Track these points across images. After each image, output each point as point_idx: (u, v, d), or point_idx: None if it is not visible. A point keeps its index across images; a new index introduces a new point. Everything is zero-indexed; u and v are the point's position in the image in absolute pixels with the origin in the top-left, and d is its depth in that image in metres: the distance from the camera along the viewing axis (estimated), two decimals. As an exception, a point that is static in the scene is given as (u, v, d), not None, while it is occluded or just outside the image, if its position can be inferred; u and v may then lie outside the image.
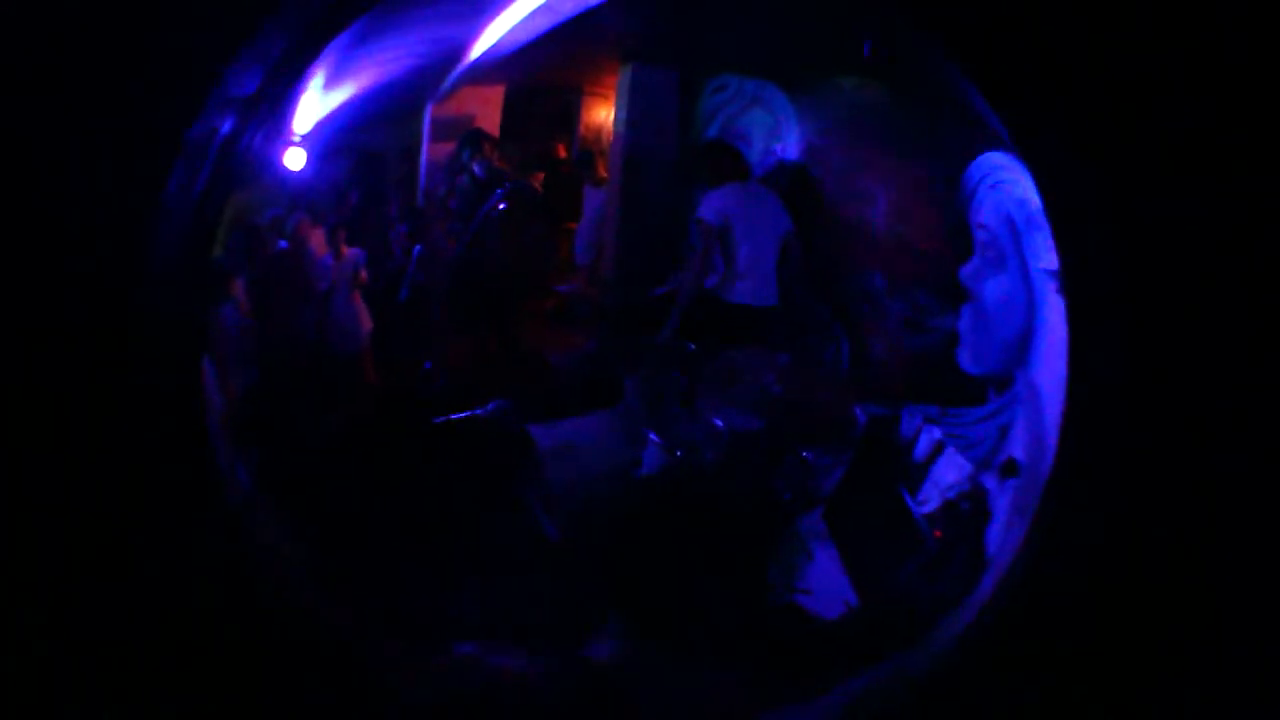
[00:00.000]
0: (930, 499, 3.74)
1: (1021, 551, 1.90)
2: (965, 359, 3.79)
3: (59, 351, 1.87)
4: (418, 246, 5.73)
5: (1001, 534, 3.21)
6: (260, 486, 3.48)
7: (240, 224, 4.65)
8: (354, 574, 2.99)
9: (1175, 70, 1.64)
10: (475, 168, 5.77)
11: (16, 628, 1.94)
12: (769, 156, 5.42)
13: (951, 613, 2.05)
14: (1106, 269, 1.70)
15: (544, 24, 4.94)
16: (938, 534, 3.54)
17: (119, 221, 1.87)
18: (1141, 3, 1.65)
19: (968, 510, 3.48)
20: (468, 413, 3.96)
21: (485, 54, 5.30)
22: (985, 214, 3.60)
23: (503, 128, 6.09)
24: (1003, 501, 3.35)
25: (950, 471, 3.72)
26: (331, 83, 4.44)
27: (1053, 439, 2.02)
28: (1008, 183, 3.42)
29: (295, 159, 4.81)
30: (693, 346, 5.01)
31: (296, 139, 4.76)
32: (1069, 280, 1.78)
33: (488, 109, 6.03)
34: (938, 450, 3.87)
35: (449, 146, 5.88)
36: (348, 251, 5.30)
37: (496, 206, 5.89)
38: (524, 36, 5.10)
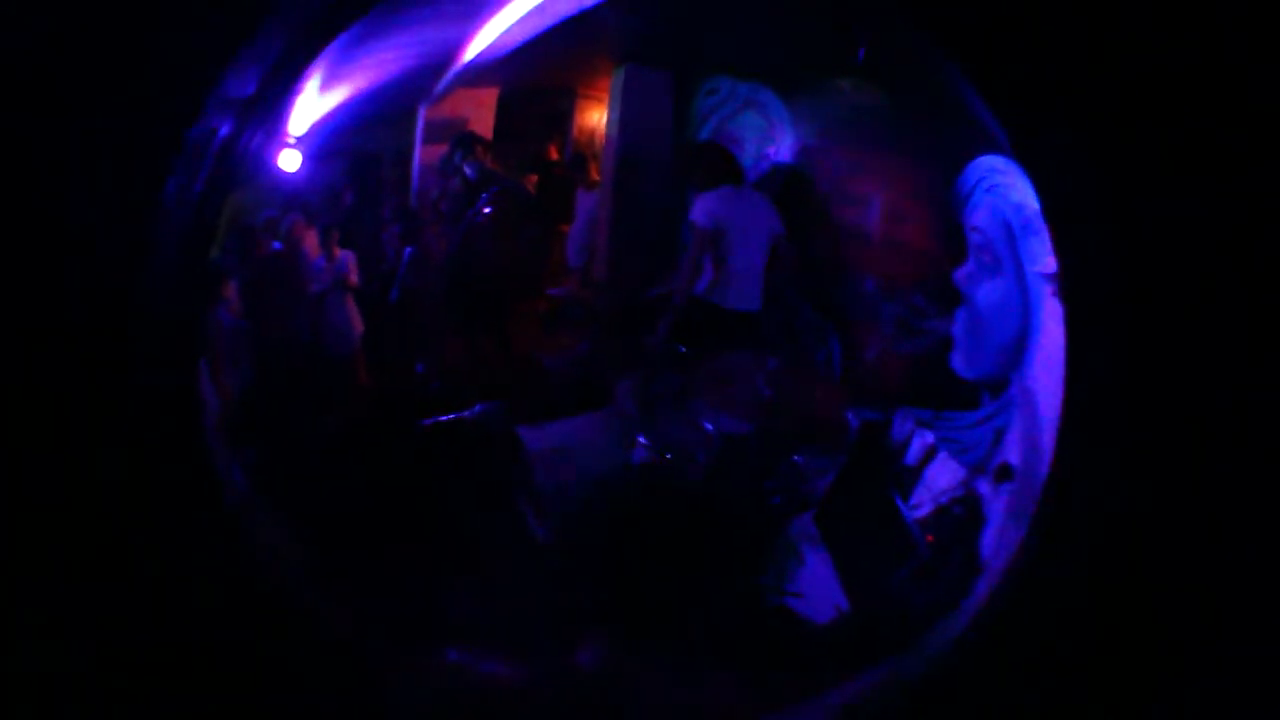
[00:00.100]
0: (923, 504, 3.74)
1: (1016, 556, 1.91)
2: (959, 363, 3.79)
3: (57, 351, 1.87)
4: (409, 248, 5.73)
5: (996, 539, 3.21)
6: (256, 487, 3.48)
7: (236, 225, 4.65)
8: (348, 575, 2.99)
9: (1175, 71, 1.65)
10: (467, 170, 5.77)
11: (16, 627, 1.94)
12: (762, 160, 5.42)
13: (945, 618, 2.06)
14: (1104, 272, 1.71)
15: (537, 26, 4.94)
16: (930, 539, 3.54)
17: (117, 223, 1.87)
18: (1141, 4, 1.66)
19: (961, 515, 3.48)
20: (454, 415, 3.95)
21: (479, 56, 5.29)
22: (980, 217, 3.61)
23: (495, 130, 6.09)
24: (997, 506, 3.35)
25: (943, 476, 3.72)
26: (327, 84, 4.44)
27: (1048, 443, 2.02)
28: (1004, 186, 3.42)
29: (290, 160, 4.81)
30: (684, 349, 5.01)
31: (292, 140, 4.76)
32: (1066, 283, 1.79)
33: (481, 111, 6.02)
34: (930, 455, 3.87)
35: (442, 149, 5.88)
36: (340, 253, 5.30)
37: (481, 211, 5.89)
38: (517, 39, 5.10)
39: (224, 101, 1.98)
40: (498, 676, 2.43)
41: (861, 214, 4.70)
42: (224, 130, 2.05)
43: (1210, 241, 1.63)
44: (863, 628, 3.42)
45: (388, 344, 5.58)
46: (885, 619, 3.32)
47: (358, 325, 5.38)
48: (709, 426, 4.32)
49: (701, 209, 4.99)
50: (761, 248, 5.03)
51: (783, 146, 5.25)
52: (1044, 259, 2.47)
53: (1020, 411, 3.37)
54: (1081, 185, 1.67)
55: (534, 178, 6.47)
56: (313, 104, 4.57)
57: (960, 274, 3.72)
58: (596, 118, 6.40)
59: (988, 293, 3.56)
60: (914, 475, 3.87)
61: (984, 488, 3.46)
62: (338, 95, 4.69)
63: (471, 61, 5.34)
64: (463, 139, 5.82)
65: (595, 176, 6.42)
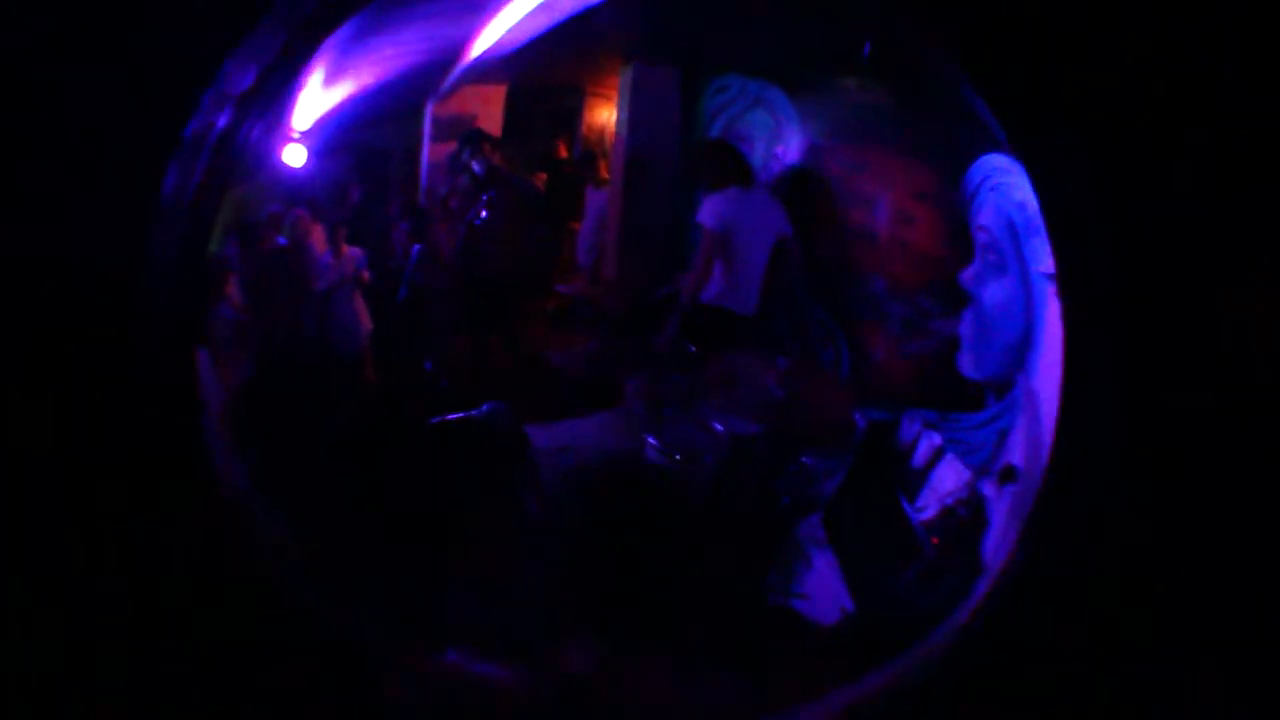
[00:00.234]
0: (928, 506, 3.73)
1: (1014, 555, 1.90)
2: (966, 364, 3.77)
3: (56, 348, 1.86)
4: (417, 246, 5.73)
5: (998, 541, 3.19)
6: (258, 484, 3.48)
7: (239, 220, 4.64)
8: (350, 574, 2.98)
9: (1176, 74, 1.63)
10: (475, 167, 5.77)
11: (16, 627, 1.93)
12: (772, 160, 5.41)
13: (946, 618, 2.04)
14: (1103, 271, 1.69)
15: (545, 23, 4.94)
16: (935, 541, 3.53)
17: (115, 217, 1.86)
18: (1142, 6, 1.65)
19: (965, 517, 3.46)
20: (462, 414, 3.94)
21: (486, 53, 5.29)
22: (986, 216, 3.59)
23: (504, 127, 6.09)
24: (1000, 508, 3.34)
25: (949, 478, 3.71)
26: (332, 79, 4.43)
27: (1050, 444, 2.01)
28: (1008, 185, 3.41)
29: (295, 155, 4.80)
30: (694, 349, 5.00)
31: (296, 135, 4.75)
32: (1065, 283, 1.77)
33: (489, 108, 6.02)
34: (937, 456, 3.86)
35: (450, 146, 5.88)
36: (348, 250, 5.29)
37: (480, 214, 5.89)
38: (525, 35, 5.10)
39: (223, 95, 1.98)
40: (496, 677, 2.42)
41: (869, 214, 4.68)
42: (223, 124, 2.05)
43: (1210, 244, 1.61)
44: (866, 629, 3.41)
45: (396, 342, 5.59)
46: (889, 620, 3.30)
47: (366, 323, 5.38)
48: (718, 427, 4.31)
49: (709, 211, 4.97)
50: (765, 250, 5.02)
51: (792, 145, 5.24)
52: (1046, 259, 2.46)
53: (1024, 413, 3.35)
54: (1080, 184, 1.65)
55: (543, 176, 6.48)
56: (317, 99, 4.56)
57: (967, 274, 3.70)
58: (606, 115, 6.40)
59: (994, 293, 3.54)
60: (921, 477, 3.86)
61: (988, 489, 3.44)
62: (342, 91, 4.68)
63: (479, 58, 5.34)
64: (471, 136, 5.82)
65: (605, 174, 6.42)
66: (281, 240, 4.95)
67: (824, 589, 3.63)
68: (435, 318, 5.80)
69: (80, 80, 1.82)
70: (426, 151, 6.01)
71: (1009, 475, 3.33)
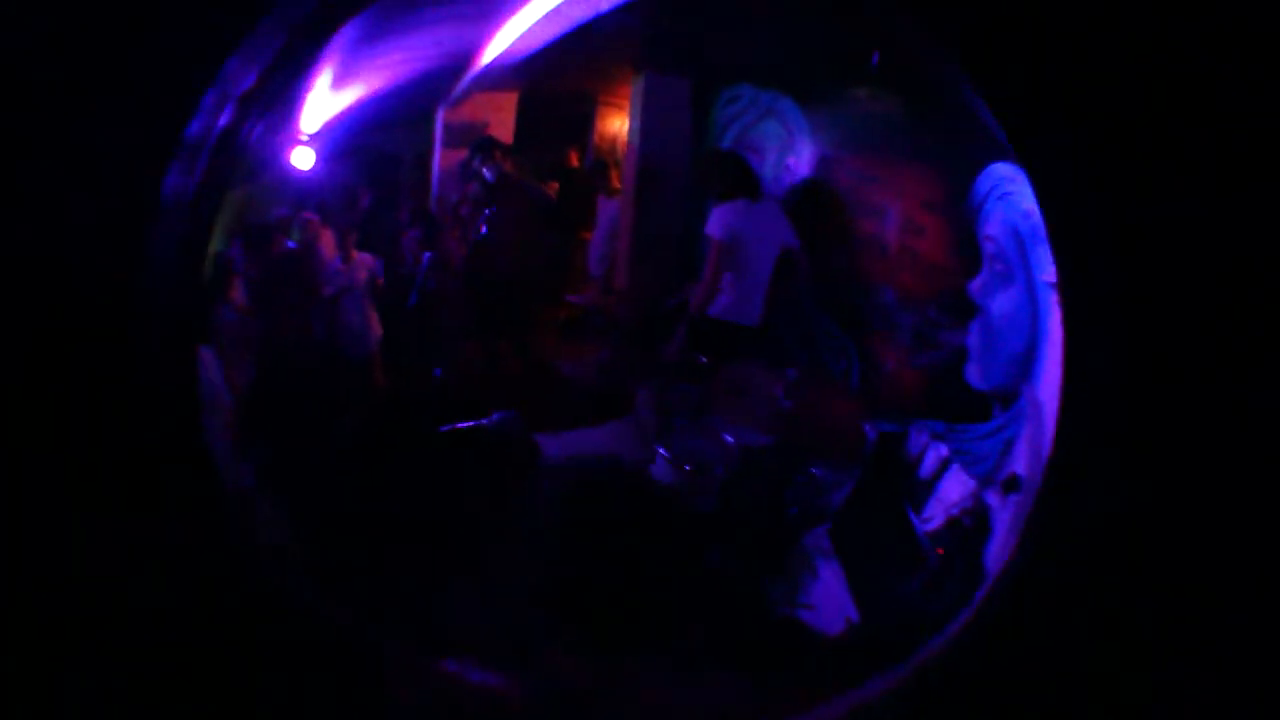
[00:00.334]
0: (934, 516, 3.72)
1: (1013, 559, 1.88)
2: (974, 375, 3.75)
3: (56, 348, 1.87)
4: (428, 253, 5.74)
5: (1000, 550, 3.18)
6: (264, 485, 3.49)
7: (244, 222, 4.64)
8: (350, 575, 2.98)
9: (1176, 75, 1.62)
10: (485, 173, 5.77)
11: (17, 626, 1.93)
12: (784, 170, 5.41)
13: (947, 625, 2.03)
14: (1104, 279, 1.68)
15: (556, 31, 4.94)
16: (940, 551, 3.51)
17: (115, 217, 1.86)
18: (1145, 10, 1.64)
19: (969, 527, 3.45)
20: (473, 422, 3.94)
21: (497, 59, 5.30)
22: (993, 226, 3.58)
23: (516, 135, 6.11)
24: (1003, 517, 3.32)
25: (955, 488, 3.69)
26: (340, 82, 4.44)
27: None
28: (1015, 194, 3.39)
29: (303, 158, 4.79)
30: (704, 360, 4.99)
31: (304, 138, 4.75)
32: (1066, 289, 1.76)
33: (501, 115, 6.05)
34: (944, 467, 3.84)
35: (461, 153, 5.89)
36: (358, 255, 5.29)
37: (479, 230, 5.90)
38: (536, 43, 5.10)
39: (224, 95, 1.98)
40: (496, 682, 2.41)
41: (879, 225, 4.67)
42: (224, 124, 2.04)
43: (1211, 248, 1.60)
44: (869, 636, 3.39)
45: (406, 348, 5.59)
46: (892, 629, 3.28)
47: (375, 328, 5.39)
48: (728, 438, 4.29)
49: (716, 222, 4.95)
50: (771, 261, 5.00)
51: (803, 156, 5.23)
52: (1050, 267, 2.45)
53: (1029, 423, 3.33)
54: (1080, 185, 1.64)
55: (555, 185, 6.49)
56: (326, 102, 4.57)
57: (975, 285, 3.68)
58: (617, 125, 6.41)
59: (1001, 303, 3.53)
60: (927, 488, 3.84)
61: (992, 499, 3.43)
62: (351, 94, 4.69)
63: (490, 65, 5.35)
64: (482, 143, 5.82)
65: (616, 184, 6.42)
66: (290, 244, 4.94)
67: (830, 599, 3.62)
68: (446, 324, 5.81)
69: (81, 80, 1.83)
70: (438, 158, 6.03)
71: (1013, 485, 3.32)
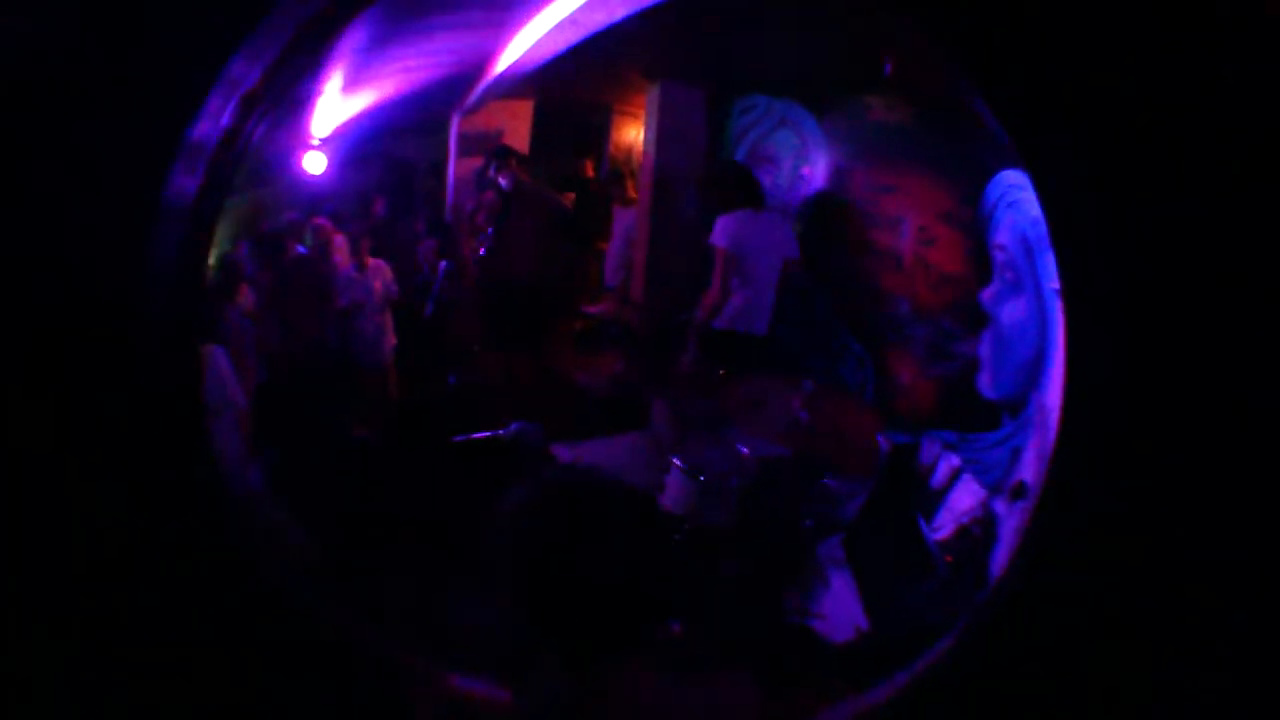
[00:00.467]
0: (944, 525, 3.70)
1: (1015, 561, 1.87)
2: (985, 385, 3.75)
3: (57, 348, 1.87)
4: (444, 262, 5.74)
5: (1005, 555, 3.17)
6: (272, 488, 3.49)
7: (253, 225, 4.62)
8: (354, 578, 2.98)
9: (1177, 75, 1.61)
10: (501, 182, 5.76)
11: (18, 626, 1.93)
12: (798, 180, 5.39)
13: (948, 630, 2.01)
14: (1106, 280, 1.67)
15: (570, 39, 4.94)
16: (949, 559, 3.50)
17: (117, 218, 1.87)
18: (1148, 16, 1.63)
19: (978, 535, 3.44)
20: (489, 433, 3.93)
21: (512, 67, 5.30)
22: (1003, 234, 3.57)
23: (531, 144, 6.10)
24: (1010, 525, 3.31)
25: (965, 498, 3.68)
26: (352, 87, 4.44)
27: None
28: (1023, 201, 3.39)
29: (315, 163, 4.77)
30: (721, 371, 4.98)
31: (315, 142, 4.74)
32: (1069, 296, 1.74)
33: (516, 124, 6.05)
34: (954, 477, 3.83)
35: (477, 161, 5.89)
36: (373, 263, 5.28)
37: (478, 251, 5.90)
38: (551, 51, 5.10)
39: (226, 95, 1.98)
40: (495, 690, 2.39)
41: (894, 236, 4.65)
42: (226, 124, 2.04)
43: (1213, 253, 1.59)
44: (877, 643, 3.38)
45: (421, 357, 5.59)
46: (899, 636, 3.26)
47: (390, 338, 5.38)
48: (744, 450, 4.28)
49: (721, 231, 4.94)
50: (776, 270, 4.99)
51: (818, 166, 5.22)
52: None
53: (1037, 430, 3.32)
54: (1082, 186, 1.63)
55: (571, 195, 6.48)
56: (337, 107, 4.56)
57: (986, 294, 3.68)
58: (633, 134, 6.40)
59: (1011, 311, 3.52)
60: (939, 498, 3.83)
61: (1000, 506, 3.42)
62: (364, 99, 4.69)
63: (505, 72, 5.35)
64: (498, 151, 5.81)
65: (632, 194, 6.41)
66: (302, 249, 4.93)
67: (840, 608, 3.60)
68: (462, 333, 5.81)
69: (81, 80, 1.83)
70: (453, 167, 6.03)
71: (1020, 492, 3.30)
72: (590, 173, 6.55)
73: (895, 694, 2.00)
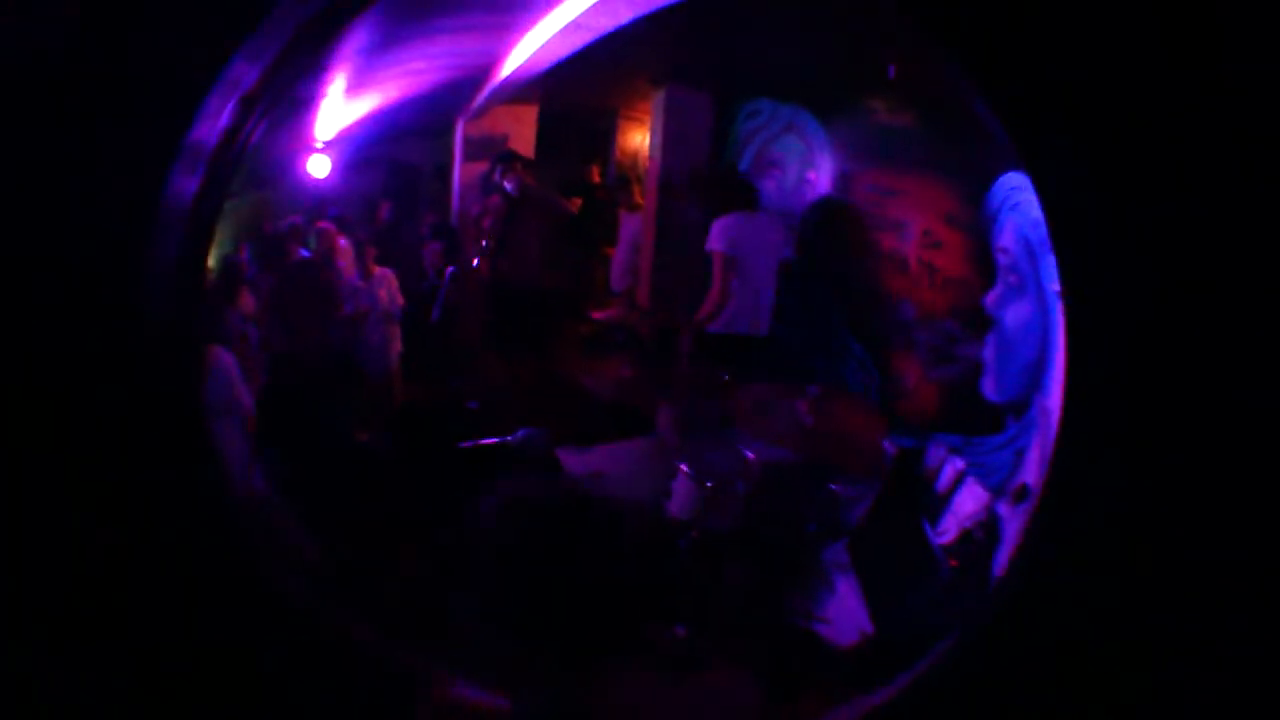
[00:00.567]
0: (949, 530, 3.70)
1: (1015, 563, 1.87)
2: (989, 388, 3.75)
3: (56, 348, 1.87)
4: (451, 268, 5.73)
5: (1008, 559, 3.16)
6: (274, 488, 3.49)
7: (255, 227, 4.61)
8: (354, 580, 2.98)
9: (1177, 76, 1.61)
10: (508, 186, 5.75)
11: (19, 626, 1.94)
12: (804, 184, 5.39)
13: (949, 632, 2.01)
14: (1108, 286, 1.67)
15: (577, 43, 4.94)
16: (953, 563, 3.49)
17: (117, 218, 1.87)
18: (1147, 16, 1.63)
19: (981, 539, 3.44)
20: (496, 439, 3.94)
21: (517, 71, 5.30)
22: (1006, 237, 3.57)
23: (537, 148, 6.08)
24: (1013, 527, 3.31)
25: (969, 501, 3.68)
26: (356, 90, 4.44)
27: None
28: (1025, 203, 3.39)
29: (319, 166, 4.77)
30: (727, 376, 4.98)
31: (319, 145, 4.73)
32: (1069, 297, 1.74)
33: (521, 128, 6.02)
34: (959, 480, 3.82)
35: (482, 165, 5.88)
36: (378, 272, 5.27)
37: (484, 256, 5.89)
38: (557, 55, 5.10)
39: (225, 96, 1.99)
40: (495, 697, 2.40)
41: (899, 239, 4.65)
42: (225, 124, 2.05)
43: (1214, 256, 1.59)
44: (881, 648, 3.38)
45: (426, 362, 5.58)
46: (903, 639, 3.26)
47: (396, 344, 5.38)
48: (749, 454, 4.27)
49: (717, 234, 4.98)
50: (772, 271, 5.02)
51: (823, 170, 5.22)
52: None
53: (1039, 432, 3.32)
54: (1082, 186, 1.63)
55: (577, 201, 6.47)
56: (341, 110, 4.56)
57: (990, 298, 3.69)
58: (639, 139, 6.38)
59: (1015, 314, 3.53)
60: (943, 502, 3.83)
61: (1003, 509, 3.42)
62: (369, 103, 4.69)
63: (510, 77, 5.35)
64: (503, 155, 5.81)
65: (639, 199, 6.41)
66: (305, 252, 4.92)
67: (844, 612, 3.60)
68: (468, 339, 5.80)
69: (81, 81, 1.84)
70: (458, 171, 6.01)
71: (1022, 494, 3.30)
72: (596, 178, 6.53)
73: (898, 696, 2.00)
